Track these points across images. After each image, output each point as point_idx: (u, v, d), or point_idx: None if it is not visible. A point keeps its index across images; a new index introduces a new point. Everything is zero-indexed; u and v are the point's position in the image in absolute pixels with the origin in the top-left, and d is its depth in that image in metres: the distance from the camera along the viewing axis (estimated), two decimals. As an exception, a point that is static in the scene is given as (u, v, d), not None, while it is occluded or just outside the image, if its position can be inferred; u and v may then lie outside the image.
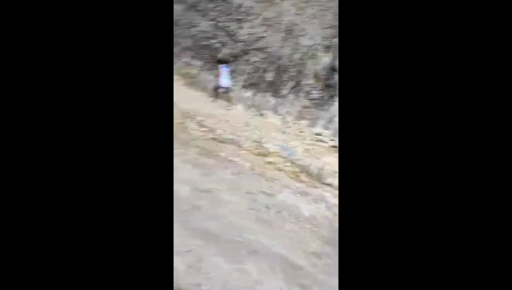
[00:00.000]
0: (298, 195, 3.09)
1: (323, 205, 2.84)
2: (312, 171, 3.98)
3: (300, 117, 6.42)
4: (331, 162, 4.29)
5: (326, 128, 6.01)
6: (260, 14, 7.60)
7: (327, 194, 3.23)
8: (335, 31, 6.63)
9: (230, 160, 3.64)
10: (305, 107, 6.62)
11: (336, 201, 3.00)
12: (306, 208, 2.67)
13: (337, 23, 6.80)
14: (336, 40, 6.62)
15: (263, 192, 2.96)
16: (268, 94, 7.16)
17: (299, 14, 7.24)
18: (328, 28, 6.88)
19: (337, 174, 4.02)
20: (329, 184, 3.75)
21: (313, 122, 6.11)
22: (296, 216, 2.55)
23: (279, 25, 7.36)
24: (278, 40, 7.32)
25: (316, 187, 3.49)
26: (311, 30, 6.99)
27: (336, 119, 6.33)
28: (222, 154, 3.75)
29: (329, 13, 6.89)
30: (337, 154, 4.87)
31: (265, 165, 3.85)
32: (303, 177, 3.85)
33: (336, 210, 2.68)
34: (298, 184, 3.44)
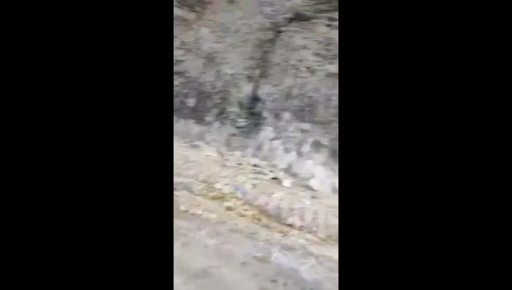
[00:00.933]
0: (286, 252, 2.98)
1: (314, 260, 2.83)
2: (270, 212, 3.94)
3: (228, 145, 6.31)
4: (283, 197, 4.36)
5: (256, 156, 6.10)
6: (176, 37, 7.12)
7: (306, 243, 3.25)
8: (256, 62, 6.85)
9: (193, 214, 3.21)
10: (232, 135, 6.54)
11: (321, 249, 3.04)
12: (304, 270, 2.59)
13: (257, 54, 7.05)
14: (257, 71, 6.84)
15: (256, 258, 2.72)
16: (191, 121, 6.76)
17: (218, 42, 7.14)
18: (248, 59, 7.03)
19: (295, 212, 4.12)
20: (290, 225, 3.80)
21: (244, 152, 6.09)
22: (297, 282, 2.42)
23: (199, 51, 7.07)
24: (199, 65, 7.02)
25: (286, 234, 3.47)
26: (233, 59, 7.00)
27: (264, 147, 6.52)
28: (182, 207, 3.28)
29: (249, 44, 7.06)
30: (282, 187, 5.00)
31: (227, 212, 3.59)
32: (264, 219, 3.77)
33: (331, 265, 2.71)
34: (276, 235, 3.34)
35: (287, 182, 5.18)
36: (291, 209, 4.12)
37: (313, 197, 4.95)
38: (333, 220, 4.22)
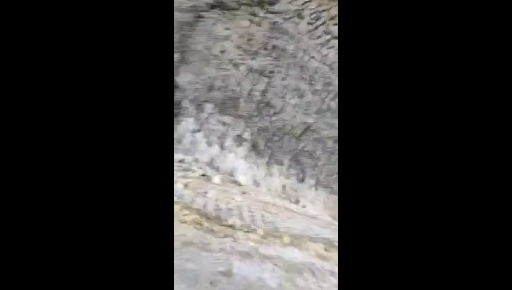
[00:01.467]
0: (243, 259, 2.95)
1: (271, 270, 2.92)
2: (210, 215, 3.83)
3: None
4: (217, 196, 4.28)
5: (178, 150, 5.73)
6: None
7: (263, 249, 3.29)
8: (174, 45, 6.25)
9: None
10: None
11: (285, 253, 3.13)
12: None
13: (175, 36, 6.43)
14: (175, 55, 6.27)
15: (221, 273, 2.58)
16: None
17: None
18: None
19: (233, 211, 4.11)
20: (231, 225, 3.79)
21: (165, 145, 5.60)
22: None
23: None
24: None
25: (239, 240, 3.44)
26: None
27: (185, 140, 6.16)
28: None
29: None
30: (213, 184, 4.86)
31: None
32: (205, 223, 3.64)
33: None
34: (225, 240, 3.24)
35: (216, 178, 5.09)
36: (229, 209, 4.10)
37: (243, 193, 5.06)
38: (266, 216, 4.44)
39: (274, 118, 6.58)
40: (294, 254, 3.49)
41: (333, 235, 4.39)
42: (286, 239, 4.21)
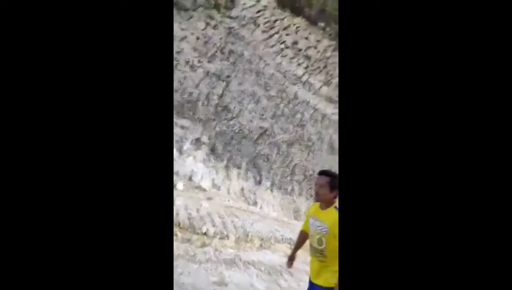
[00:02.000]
0: (228, 267, 3.01)
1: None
2: (182, 224, 3.77)
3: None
4: (186, 203, 4.22)
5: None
6: None
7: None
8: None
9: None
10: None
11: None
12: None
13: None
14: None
15: (216, 283, 2.59)
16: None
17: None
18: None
19: (206, 218, 4.10)
20: (205, 233, 3.81)
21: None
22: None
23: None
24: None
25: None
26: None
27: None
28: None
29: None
30: (178, 191, 4.72)
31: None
32: (179, 233, 3.59)
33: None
34: (206, 250, 3.24)
35: (180, 184, 4.97)
36: (201, 217, 4.09)
37: (208, 198, 5.05)
38: (235, 221, 4.56)
39: (231, 122, 6.69)
40: (268, 257, 3.70)
41: (293, 234, 4.75)
42: (257, 243, 4.41)
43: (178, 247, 3.14)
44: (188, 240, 3.52)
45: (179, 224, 3.77)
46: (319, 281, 1.72)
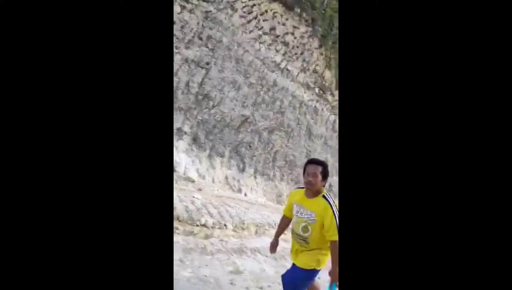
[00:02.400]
0: (239, 255, 3.15)
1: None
2: (181, 217, 3.82)
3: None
4: (179, 196, 4.25)
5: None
6: None
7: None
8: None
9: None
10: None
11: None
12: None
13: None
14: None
15: (232, 272, 2.71)
16: None
17: None
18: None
19: (202, 210, 4.17)
20: (204, 225, 3.90)
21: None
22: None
23: None
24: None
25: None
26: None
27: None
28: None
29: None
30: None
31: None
32: (180, 226, 3.64)
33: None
34: (213, 241, 3.33)
35: (169, 177, 4.93)
36: (198, 209, 4.15)
37: (199, 189, 5.08)
38: (230, 210, 4.69)
39: (213, 110, 6.65)
40: (269, 242, 3.93)
41: (279, 218, 5.03)
42: (253, 230, 4.60)
43: (187, 241, 3.21)
44: (191, 233, 3.59)
45: (178, 218, 3.81)
46: (297, 262, 1.78)
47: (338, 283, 1.64)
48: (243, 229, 4.26)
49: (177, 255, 2.79)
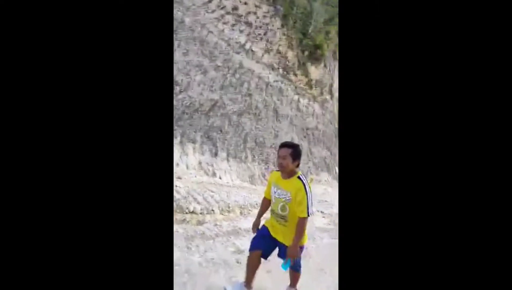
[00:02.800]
0: (235, 237, 3.30)
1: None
2: (180, 204, 3.87)
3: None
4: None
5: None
6: None
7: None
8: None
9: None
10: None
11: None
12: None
13: None
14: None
15: (237, 252, 2.88)
16: None
17: None
18: None
19: (188, 198, 4.23)
20: (193, 212, 4.00)
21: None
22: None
23: None
24: None
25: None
26: None
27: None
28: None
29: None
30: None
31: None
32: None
33: None
34: (208, 227, 3.45)
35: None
36: (184, 197, 4.21)
37: (179, 178, 5.07)
38: (214, 195, 4.81)
39: (180, 96, 6.52)
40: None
41: (258, 198, 5.31)
42: (237, 211, 4.81)
43: (185, 229, 3.30)
44: (184, 221, 3.68)
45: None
46: (278, 237, 1.90)
47: (293, 260, 1.80)
48: (229, 212, 4.44)
49: (182, 243, 2.90)
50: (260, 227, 2.05)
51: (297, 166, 1.86)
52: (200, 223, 3.79)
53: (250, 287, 1.99)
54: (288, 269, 1.89)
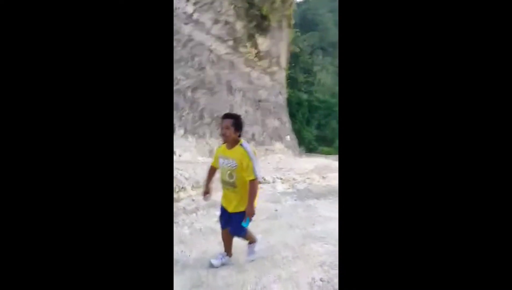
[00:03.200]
0: None
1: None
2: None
3: None
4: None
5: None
6: None
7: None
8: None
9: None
10: None
11: None
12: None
13: None
14: None
15: None
16: None
17: None
18: None
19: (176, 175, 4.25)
20: (184, 188, 4.07)
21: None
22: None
23: None
24: None
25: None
26: None
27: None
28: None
29: None
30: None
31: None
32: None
33: None
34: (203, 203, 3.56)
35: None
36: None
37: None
38: (181, 173, 4.87)
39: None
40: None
41: None
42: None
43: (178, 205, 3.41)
44: (182, 200, 3.75)
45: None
46: (230, 208, 2.06)
47: (251, 218, 1.96)
48: (199, 187, 4.61)
49: (176, 217, 3.05)
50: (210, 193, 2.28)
51: (239, 135, 2.03)
52: (176, 200, 3.92)
53: (230, 255, 2.27)
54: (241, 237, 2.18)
